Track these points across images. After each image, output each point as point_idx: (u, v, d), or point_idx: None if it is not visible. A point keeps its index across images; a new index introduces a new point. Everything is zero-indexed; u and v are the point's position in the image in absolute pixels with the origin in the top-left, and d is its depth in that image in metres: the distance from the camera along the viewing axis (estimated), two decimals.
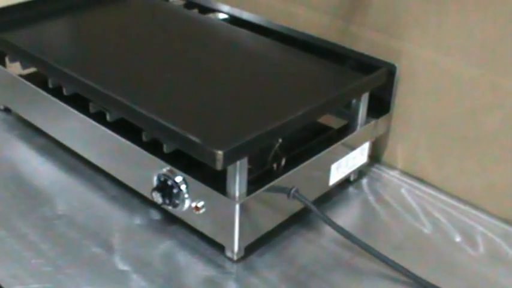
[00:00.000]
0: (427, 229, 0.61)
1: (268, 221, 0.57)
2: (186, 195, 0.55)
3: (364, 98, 0.62)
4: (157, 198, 0.56)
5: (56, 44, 0.70)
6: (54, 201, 0.62)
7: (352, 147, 0.63)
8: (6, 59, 0.71)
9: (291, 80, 0.63)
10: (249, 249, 0.56)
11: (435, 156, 0.66)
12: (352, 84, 0.61)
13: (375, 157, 0.70)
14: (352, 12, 0.69)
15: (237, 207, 0.52)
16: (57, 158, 0.68)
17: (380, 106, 0.66)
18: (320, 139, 0.61)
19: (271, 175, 0.56)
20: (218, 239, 0.55)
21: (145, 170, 0.57)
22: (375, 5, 0.66)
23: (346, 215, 0.63)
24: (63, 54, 0.67)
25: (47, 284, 0.52)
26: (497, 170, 0.62)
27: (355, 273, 0.55)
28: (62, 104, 0.64)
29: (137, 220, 0.60)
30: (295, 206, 0.58)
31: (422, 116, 0.66)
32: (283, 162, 0.58)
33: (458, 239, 0.60)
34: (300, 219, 0.60)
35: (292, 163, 0.57)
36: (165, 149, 0.56)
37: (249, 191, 0.53)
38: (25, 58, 0.68)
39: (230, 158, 0.50)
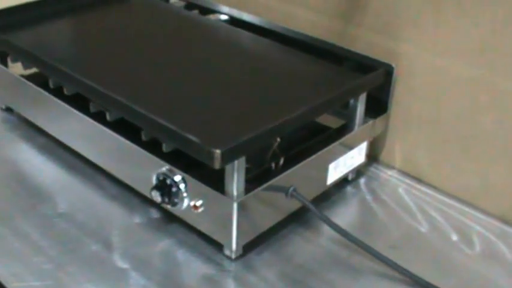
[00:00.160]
0: (424, 228, 0.62)
1: (266, 220, 0.57)
2: (185, 194, 0.55)
3: (362, 98, 0.63)
4: (157, 197, 0.56)
5: (57, 44, 0.70)
6: (55, 200, 0.62)
7: (350, 147, 0.63)
8: (8, 60, 0.72)
9: (289, 80, 0.64)
10: (247, 248, 0.57)
11: (432, 155, 0.67)
12: (350, 85, 0.62)
13: (372, 157, 0.71)
14: (351, 13, 0.69)
15: (235, 206, 0.52)
16: (58, 157, 0.68)
17: (378, 106, 0.67)
18: (318, 139, 0.62)
19: (269, 174, 0.56)
20: (216, 238, 0.56)
21: (144, 169, 0.58)
22: (373, 6, 0.67)
23: (344, 214, 0.63)
24: (64, 55, 0.68)
25: (47, 281, 0.53)
26: (494, 170, 0.62)
27: (352, 271, 0.56)
28: (63, 103, 0.64)
29: (137, 219, 0.61)
30: (293, 205, 0.59)
31: (420, 116, 0.66)
32: (281, 161, 0.58)
33: (454, 237, 0.61)
34: (298, 218, 0.61)
35: (291, 162, 0.58)
36: (164, 148, 0.56)
37: (247, 190, 0.53)
38: (26, 58, 0.68)
39: (228, 157, 0.50)
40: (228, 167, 0.52)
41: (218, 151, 0.49)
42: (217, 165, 0.50)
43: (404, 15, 0.64)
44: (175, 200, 0.56)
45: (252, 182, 0.54)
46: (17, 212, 0.61)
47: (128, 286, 0.53)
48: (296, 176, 0.57)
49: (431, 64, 0.64)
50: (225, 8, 0.80)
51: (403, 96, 0.67)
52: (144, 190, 0.59)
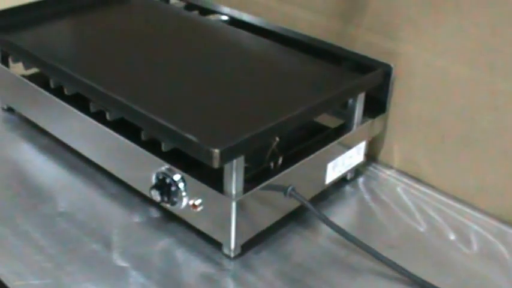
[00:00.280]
0: (422, 227, 0.62)
1: (264, 219, 0.57)
2: (184, 193, 0.56)
3: (361, 98, 0.63)
4: (156, 196, 0.57)
5: (58, 44, 0.71)
6: (55, 199, 0.63)
7: (349, 147, 0.64)
8: (10, 60, 0.72)
9: (288, 80, 0.64)
10: (246, 247, 0.57)
11: (431, 155, 0.67)
12: (349, 84, 0.62)
13: (371, 156, 0.71)
14: (349, 13, 0.70)
15: (234, 205, 0.53)
16: (58, 156, 0.69)
17: (376, 106, 0.67)
18: (317, 138, 0.62)
19: (268, 173, 0.56)
20: (215, 237, 0.56)
21: (144, 169, 0.58)
22: (372, 6, 0.67)
23: (343, 214, 0.63)
24: (64, 55, 0.68)
25: (47, 280, 0.53)
26: (492, 169, 0.62)
27: (350, 270, 0.56)
28: (63, 103, 0.65)
29: (136, 218, 0.61)
30: (292, 204, 0.59)
31: (418, 115, 0.66)
32: (280, 161, 0.59)
33: (452, 237, 0.61)
34: (297, 217, 0.61)
35: (289, 162, 0.58)
36: (164, 147, 0.57)
37: (246, 189, 0.54)
38: (27, 58, 0.69)
39: (227, 157, 0.51)
40: (226, 166, 0.52)
41: (217, 150, 0.49)
42: (216, 164, 0.50)
43: (402, 15, 0.65)
44: (175, 199, 0.56)
45: (251, 181, 0.55)
46: (18, 211, 0.61)
47: (127, 285, 0.53)
48: (295, 175, 0.58)
49: (430, 64, 0.64)
50: (224, 9, 0.80)
51: (401, 96, 0.67)
52: (144, 189, 0.59)
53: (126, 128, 0.59)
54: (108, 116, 0.61)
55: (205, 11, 0.82)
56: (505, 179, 0.62)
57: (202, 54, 0.70)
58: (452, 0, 0.60)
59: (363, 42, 0.69)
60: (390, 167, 0.70)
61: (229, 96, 0.61)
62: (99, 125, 0.61)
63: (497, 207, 0.63)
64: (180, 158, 0.55)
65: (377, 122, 0.67)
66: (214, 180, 0.54)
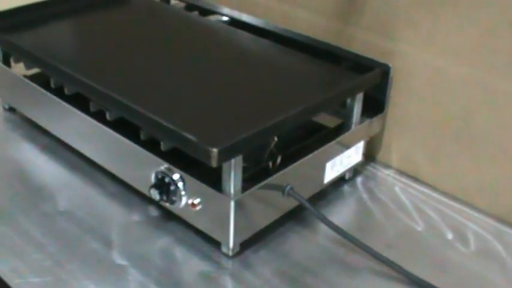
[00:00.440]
0: (419, 227, 0.62)
1: (263, 218, 0.58)
2: (183, 192, 0.56)
3: (359, 98, 0.64)
4: (155, 195, 0.57)
5: (58, 45, 0.71)
6: (55, 198, 0.63)
7: (347, 146, 0.64)
8: (11, 60, 0.73)
9: (287, 79, 0.65)
10: (245, 245, 0.57)
11: (429, 154, 0.67)
12: (347, 84, 0.62)
13: (370, 156, 0.71)
14: (348, 13, 0.70)
15: (232, 204, 0.53)
16: (59, 156, 0.69)
17: (375, 106, 0.67)
18: (315, 138, 0.62)
19: (266, 173, 0.57)
20: (214, 235, 0.57)
21: (143, 168, 0.59)
22: (370, 6, 0.67)
23: (341, 213, 0.64)
24: (65, 55, 0.69)
25: (47, 277, 0.54)
26: (490, 168, 0.62)
27: (348, 269, 0.56)
28: (64, 103, 0.65)
29: (135, 216, 0.61)
30: (290, 204, 0.59)
31: (417, 115, 0.67)
32: (278, 160, 0.59)
33: (450, 236, 0.61)
34: (295, 217, 0.61)
35: (288, 161, 0.58)
36: (163, 147, 0.57)
37: (244, 188, 0.54)
38: (28, 58, 0.69)
39: (225, 156, 0.51)
40: (225, 166, 0.53)
41: (215, 150, 0.50)
42: (214, 163, 0.50)
43: (401, 15, 0.65)
44: (174, 198, 0.56)
45: (249, 180, 0.55)
46: (19, 210, 0.61)
47: (126, 283, 0.54)
48: (293, 174, 0.58)
49: (428, 64, 0.64)
50: (224, 9, 0.81)
51: (400, 96, 0.67)
52: (143, 188, 0.59)
53: (125, 127, 0.60)
54: (108, 116, 0.62)
55: (205, 12, 0.83)
56: (503, 178, 0.62)
57: (201, 54, 0.70)
58: (450, 0, 0.61)
59: (362, 42, 0.69)
60: (388, 167, 0.71)
61: (228, 96, 0.61)
62: (99, 124, 0.62)
63: (495, 207, 0.63)
64: (179, 157, 0.56)
65: (375, 122, 0.67)
66: (213, 179, 0.54)
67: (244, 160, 0.54)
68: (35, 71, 0.71)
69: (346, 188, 0.67)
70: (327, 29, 0.72)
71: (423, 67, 0.65)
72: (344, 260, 0.57)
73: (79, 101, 0.64)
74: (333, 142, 0.62)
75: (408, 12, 0.64)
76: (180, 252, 0.57)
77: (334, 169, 0.63)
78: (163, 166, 0.56)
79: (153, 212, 0.62)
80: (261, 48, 0.72)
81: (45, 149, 0.71)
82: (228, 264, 0.56)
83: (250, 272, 0.56)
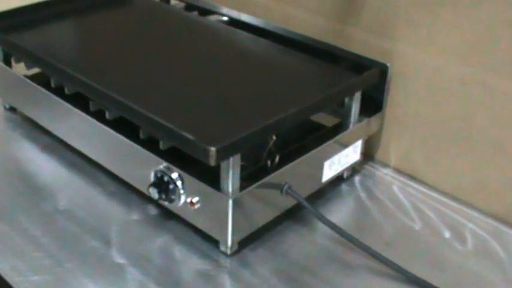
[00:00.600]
0: (417, 225, 0.62)
1: (261, 217, 0.58)
2: (182, 191, 0.56)
3: (357, 97, 0.64)
4: (154, 193, 0.57)
5: (59, 45, 0.72)
6: (55, 197, 0.64)
7: (345, 145, 0.64)
8: (12, 60, 0.73)
9: (285, 79, 0.65)
10: (243, 244, 0.58)
11: (427, 154, 0.67)
12: (345, 83, 0.63)
13: (368, 155, 0.71)
14: (346, 13, 0.70)
15: (230, 202, 0.53)
16: (59, 155, 0.70)
17: (373, 105, 0.68)
18: (314, 137, 0.63)
19: (264, 171, 0.57)
20: (212, 234, 0.57)
21: (142, 167, 0.59)
22: (369, 6, 0.68)
23: (339, 212, 0.64)
24: (65, 55, 0.69)
25: (47, 276, 0.54)
26: (488, 168, 0.63)
27: (346, 268, 0.57)
28: (64, 102, 0.66)
29: (135, 215, 0.62)
30: (288, 202, 0.59)
31: (415, 114, 0.67)
32: (277, 159, 0.59)
33: (447, 235, 0.61)
34: (293, 215, 0.62)
35: (286, 160, 0.58)
36: (161, 145, 0.58)
37: (243, 187, 0.54)
38: (28, 58, 0.70)
39: (223, 154, 0.51)
40: (223, 164, 0.53)
41: (213, 148, 0.50)
42: (212, 162, 0.51)
43: (400, 15, 0.65)
44: (172, 197, 0.57)
45: (248, 179, 0.55)
46: (19, 208, 0.62)
47: (125, 281, 0.54)
48: (291, 173, 0.58)
49: (426, 63, 0.64)
50: (224, 9, 0.81)
51: (398, 95, 0.67)
52: (142, 187, 0.60)
53: (125, 126, 0.60)
54: (107, 115, 0.62)
55: (205, 12, 0.83)
56: (500, 178, 0.62)
57: (201, 54, 0.70)
58: (449, 0, 0.61)
59: (360, 41, 0.69)
60: (387, 166, 0.71)
61: (227, 95, 0.62)
62: (99, 123, 0.62)
63: (492, 206, 0.64)
64: (178, 156, 0.56)
65: (373, 121, 0.67)
66: (212, 178, 0.54)
67: (243, 159, 0.54)
68: (35, 70, 0.72)
69: (344, 187, 0.67)
70: (325, 29, 0.73)
71: (422, 67, 0.65)
72: (342, 259, 0.57)
73: (79, 101, 0.65)
74: (331, 141, 0.62)
75: (407, 12, 0.64)
76: (178, 251, 0.58)
77: (332, 168, 0.64)
78: (162, 165, 0.57)
79: (152, 210, 0.62)
80: (260, 48, 0.72)
81: (46, 148, 0.71)
82: (226, 262, 0.57)
83: (249, 270, 0.56)
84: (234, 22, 0.79)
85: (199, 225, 0.57)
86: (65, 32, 0.76)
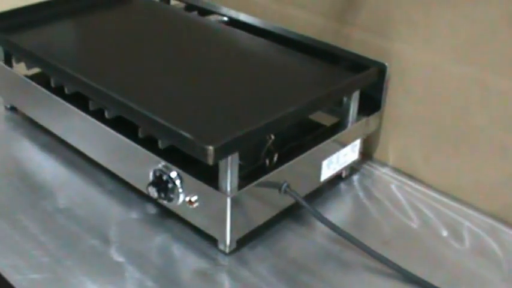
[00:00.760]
0: (415, 224, 0.62)
1: (259, 215, 0.58)
2: (181, 190, 0.56)
3: (355, 96, 0.64)
4: (153, 192, 0.58)
5: (59, 45, 0.72)
6: (55, 196, 0.64)
7: (344, 144, 0.64)
8: (13, 60, 0.74)
9: (284, 78, 0.65)
10: (241, 242, 0.58)
11: (425, 153, 0.68)
12: (343, 83, 0.63)
13: (366, 154, 0.72)
14: (345, 13, 0.70)
15: (229, 201, 0.54)
16: (59, 154, 0.70)
17: (371, 104, 0.68)
18: (312, 136, 0.63)
19: (263, 170, 0.57)
20: (211, 232, 0.57)
21: (141, 166, 0.59)
22: (367, 5, 0.68)
23: (337, 211, 0.64)
24: (65, 55, 0.69)
25: (46, 274, 0.55)
26: (485, 167, 0.63)
27: (344, 266, 0.57)
28: (64, 102, 0.66)
29: (134, 214, 0.62)
30: (287, 201, 0.60)
31: (413, 113, 0.67)
32: (275, 158, 0.60)
33: (445, 233, 0.61)
34: (292, 214, 0.62)
35: (284, 159, 0.59)
36: (160, 144, 0.58)
37: (241, 186, 0.55)
38: (28, 58, 0.70)
39: (221, 153, 0.52)
40: (221, 163, 0.53)
41: (211, 147, 0.50)
42: (210, 161, 0.51)
43: (397, 14, 0.65)
44: (171, 196, 0.57)
45: (246, 178, 0.55)
46: (19, 207, 0.62)
47: (123, 279, 0.54)
48: (289, 172, 0.58)
49: (424, 62, 0.64)
50: (223, 9, 0.81)
51: (396, 95, 0.68)
52: (141, 186, 0.60)
53: (124, 126, 0.60)
54: (106, 114, 0.63)
55: (205, 12, 0.83)
56: (498, 176, 0.62)
57: (200, 53, 0.71)
58: None
59: (358, 41, 0.69)
60: (385, 165, 0.71)
61: (225, 94, 0.62)
62: (98, 123, 0.63)
63: (490, 205, 0.64)
64: (177, 155, 0.56)
65: (372, 120, 0.68)
66: (210, 177, 0.55)
67: (242, 158, 0.54)
68: (35, 70, 0.72)
69: (342, 186, 0.68)
70: (324, 29, 0.73)
71: (420, 66, 0.65)
72: (340, 257, 0.58)
73: (79, 100, 0.65)
74: (330, 140, 0.62)
75: (406, 11, 0.65)
76: (177, 250, 0.58)
77: (330, 167, 0.64)
78: (161, 164, 0.57)
79: (151, 209, 0.63)
80: (259, 48, 0.72)
81: (46, 147, 0.71)
82: (225, 261, 0.57)
83: (247, 269, 0.56)
84: (233, 22, 0.80)
85: (198, 223, 0.58)
86: (65, 32, 0.76)
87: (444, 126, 0.65)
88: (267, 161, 0.59)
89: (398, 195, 0.67)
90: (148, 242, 0.59)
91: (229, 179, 0.54)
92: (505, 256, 0.59)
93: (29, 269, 0.55)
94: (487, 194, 0.64)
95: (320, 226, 0.59)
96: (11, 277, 0.54)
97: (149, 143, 0.59)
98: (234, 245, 0.57)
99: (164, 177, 0.57)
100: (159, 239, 0.59)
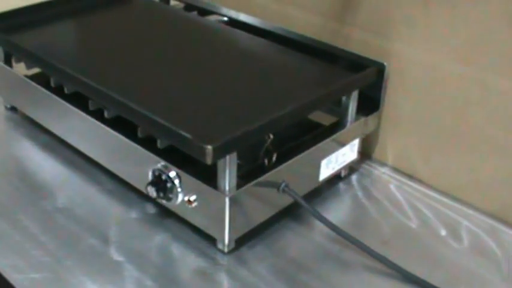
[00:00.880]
0: (414, 224, 0.63)
1: (258, 215, 0.58)
2: (179, 190, 0.57)
3: (354, 96, 0.64)
4: (152, 192, 0.58)
5: (59, 45, 0.72)
6: (55, 195, 0.64)
7: (342, 144, 0.64)
8: (13, 60, 0.74)
9: (283, 78, 0.65)
10: (240, 242, 0.58)
11: (424, 152, 0.68)
12: (342, 82, 0.63)
13: (365, 154, 0.72)
14: (343, 13, 0.70)
15: (227, 200, 0.54)
16: (58, 154, 0.70)
17: (370, 104, 0.68)
18: (311, 135, 0.63)
19: (261, 170, 0.57)
20: (210, 232, 0.57)
21: (141, 165, 0.59)
22: (365, 5, 0.68)
23: (336, 210, 0.64)
24: (65, 55, 0.70)
25: (45, 273, 0.55)
26: (484, 166, 0.63)
27: (343, 266, 0.57)
28: (63, 102, 0.66)
29: (133, 213, 0.62)
30: (286, 200, 0.60)
31: (412, 113, 0.67)
32: (274, 157, 0.60)
33: (443, 233, 0.61)
34: (290, 213, 0.62)
35: (283, 158, 0.59)
36: (159, 144, 0.58)
37: (239, 185, 0.55)
38: (28, 58, 0.70)
39: (219, 153, 0.52)
40: (220, 163, 0.53)
41: (209, 147, 0.50)
42: (208, 160, 0.51)
43: (396, 14, 0.65)
44: (170, 195, 0.57)
45: (245, 177, 0.56)
46: (19, 207, 0.62)
47: (122, 278, 0.54)
48: (288, 172, 0.58)
49: (423, 62, 0.65)
50: (222, 9, 0.81)
51: (395, 94, 0.68)
52: (141, 186, 0.60)
53: (124, 125, 0.61)
54: (106, 114, 0.63)
55: (204, 12, 0.84)
56: (496, 176, 0.62)
57: (199, 53, 0.71)
58: None
59: (358, 41, 0.70)
60: (384, 165, 0.71)
61: (224, 94, 0.62)
62: (98, 122, 0.63)
63: (489, 204, 0.64)
64: (176, 155, 0.56)
65: (371, 120, 0.68)
66: (209, 176, 0.55)
67: (240, 157, 0.54)
68: (36, 70, 0.72)
69: (341, 185, 0.68)
70: (323, 29, 0.73)
71: (418, 65, 0.65)
72: (338, 257, 0.58)
73: (78, 100, 0.65)
74: (328, 140, 0.62)
75: (404, 11, 0.65)
76: (176, 249, 0.58)
77: (329, 167, 0.64)
78: (160, 164, 0.57)
79: (151, 209, 0.63)
80: (258, 47, 0.72)
81: (45, 147, 0.72)
82: (224, 260, 0.57)
83: (246, 268, 0.56)
84: (232, 22, 0.80)
85: (197, 223, 0.58)
86: (64, 32, 0.76)
87: (443, 126, 0.65)
88: (266, 161, 0.59)
89: (397, 194, 0.67)
90: (147, 241, 0.59)
91: (227, 178, 0.54)
92: (504, 256, 0.59)
93: (28, 268, 0.55)
94: (486, 194, 0.64)
95: (319, 226, 0.59)
96: (10, 276, 0.54)
97: (148, 143, 0.59)
98: (233, 245, 0.58)
99: (163, 177, 0.57)
100: (158, 239, 0.59)
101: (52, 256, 0.56)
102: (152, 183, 0.58)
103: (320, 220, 0.58)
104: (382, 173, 0.70)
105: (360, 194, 0.67)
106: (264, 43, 0.72)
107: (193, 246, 0.58)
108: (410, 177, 0.69)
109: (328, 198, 0.65)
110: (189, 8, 0.86)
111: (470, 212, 0.64)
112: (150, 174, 0.58)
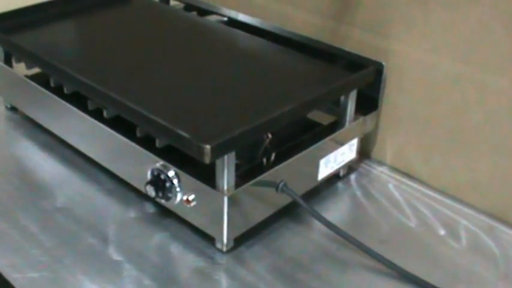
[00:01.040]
0: (412, 223, 0.63)
1: (257, 214, 0.59)
2: (178, 189, 0.57)
3: (353, 95, 0.64)
4: (151, 191, 0.58)
5: (58, 45, 0.72)
6: (54, 195, 0.64)
7: (341, 143, 0.65)
8: (13, 60, 0.74)
9: (282, 77, 0.65)
10: (239, 241, 0.58)
11: (422, 151, 0.68)
12: (340, 82, 0.63)
13: (364, 153, 0.72)
14: (342, 12, 0.71)
15: (225, 199, 0.54)
16: (58, 153, 0.70)
17: (369, 103, 0.68)
18: (309, 135, 0.63)
19: (260, 169, 0.57)
20: (208, 231, 0.57)
21: (139, 165, 0.60)
22: (364, 5, 0.68)
23: (334, 209, 0.64)
24: (65, 55, 0.70)
25: (45, 272, 0.55)
26: (482, 165, 0.63)
27: (341, 264, 0.57)
28: (63, 102, 0.66)
29: (132, 213, 0.62)
30: (284, 200, 0.60)
31: (410, 112, 0.67)
32: (272, 157, 0.60)
33: (442, 232, 0.62)
34: (289, 213, 0.62)
35: (282, 158, 0.59)
36: (158, 144, 0.58)
37: (238, 185, 0.55)
38: (28, 58, 0.71)
39: (218, 152, 0.52)
40: (218, 162, 0.54)
41: (208, 146, 0.51)
42: (207, 160, 0.51)
43: (394, 13, 0.65)
44: (169, 195, 0.57)
45: (244, 177, 0.56)
46: (18, 206, 0.63)
47: (121, 278, 0.55)
48: (287, 171, 0.59)
49: (421, 61, 0.65)
50: (222, 9, 0.82)
51: (393, 94, 0.68)
52: (140, 185, 0.60)
53: (123, 125, 0.61)
54: (105, 114, 0.63)
55: (204, 12, 0.84)
56: (495, 175, 0.62)
57: (199, 53, 0.71)
58: None
59: (356, 40, 0.70)
60: (382, 164, 0.71)
61: (223, 93, 0.62)
62: (97, 122, 0.63)
63: (487, 203, 0.64)
64: (174, 155, 0.57)
65: (369, 119, 0.68)
66: (208, 176, 0.55)
67: (239, 157, 0.54)
68: (36, 70, 0.72)
69: (340, 185, 0.68)
70: (321, 28, 0.73)
71: (417, 65, 0.65)
72: (337, 256, 0.58)
73: (78, 100, 0.65)
74: (327, 139, 0.62)
75: (402, 10, 0.65)
76: (175, 248, 0.58)
77: (328, 166, 0.64)
78: (159, 163, 0.57)
79: (150, 208, 0.63)
80: (257, 47, 0.72)
81: (45, 146, 0.72)
82: (222, 259, 0.57)
83: (244, 267, 0.56)
84: (232, 22, 0.80)
85: (196, 222, 0.58)
86: (64, 32, 0.77)
87: (441, 125, 0.65)
88: (264, 160, 0.60)
89: (396, 194, 0.67)
90: (146, 240, 0.59)
91: (226, 177, 0.54)
92: (501, 254, 0.59)
93: (27, 267, 0.55)
94: (485, 193, 0.64)
95: (317, 225, 0.59)
96: (9, 276, 0.54)
97: (147, 142, 0.59)
98: (232, 244, 0.58)
99: (162, 176, 0.57)
100: (157, 238, 0.59)
101: (51, 255, 0.57)
102: (151, 182, 0.58)
103: (318, 219, 0.58)
104: (380, 172, 0.70)
105: (358, 193, 0.67)
106: (263, 43, 0.73)
107: (192, 246, 0.58)
108: (408, 176, 0.69)
109: (326, 198, 0.66)
110: (188, 8, 0.86)
111: (469, 211, 0.64)
112: (149, 173, 0.58)
